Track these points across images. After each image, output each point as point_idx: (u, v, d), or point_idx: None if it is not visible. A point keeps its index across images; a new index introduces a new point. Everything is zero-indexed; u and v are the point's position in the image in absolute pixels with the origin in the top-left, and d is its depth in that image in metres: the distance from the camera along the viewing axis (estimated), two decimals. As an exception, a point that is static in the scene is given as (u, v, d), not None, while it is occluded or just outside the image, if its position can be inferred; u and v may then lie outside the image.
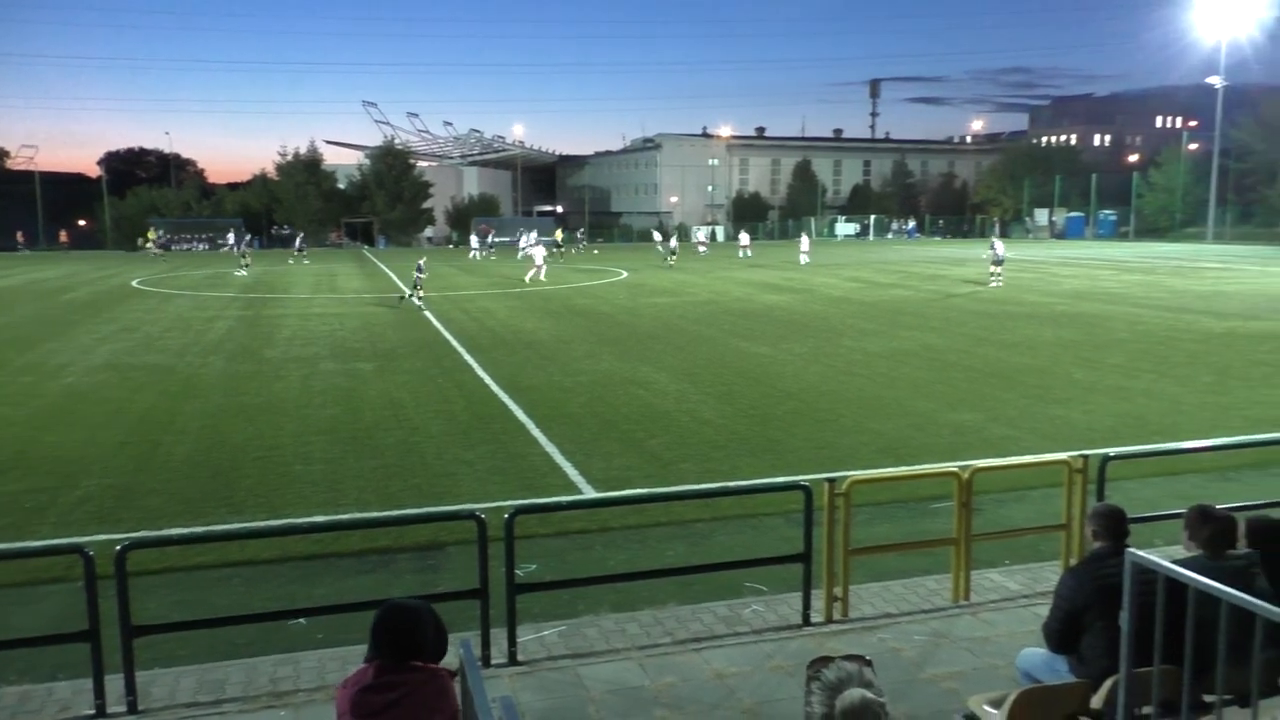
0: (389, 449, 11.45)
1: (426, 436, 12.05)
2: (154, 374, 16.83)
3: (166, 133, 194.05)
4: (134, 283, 39.06)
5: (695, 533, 8.54)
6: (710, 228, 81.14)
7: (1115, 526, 4.62)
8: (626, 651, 6.12)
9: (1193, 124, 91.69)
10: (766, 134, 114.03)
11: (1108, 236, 75.96)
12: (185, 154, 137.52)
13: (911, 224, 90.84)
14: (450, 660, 3.53)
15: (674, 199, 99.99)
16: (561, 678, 5.80)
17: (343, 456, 11.13)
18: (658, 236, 67.91)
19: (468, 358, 18.20)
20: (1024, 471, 9.30)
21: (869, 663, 2.64)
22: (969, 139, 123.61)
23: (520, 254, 55.58)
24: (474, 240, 59.99)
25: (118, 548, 5.46)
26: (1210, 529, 4.48)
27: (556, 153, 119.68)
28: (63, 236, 76.98)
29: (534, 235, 58.50)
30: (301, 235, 61.31)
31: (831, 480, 6.50)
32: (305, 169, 79.38)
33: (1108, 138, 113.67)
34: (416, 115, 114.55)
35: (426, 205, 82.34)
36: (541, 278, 36.72)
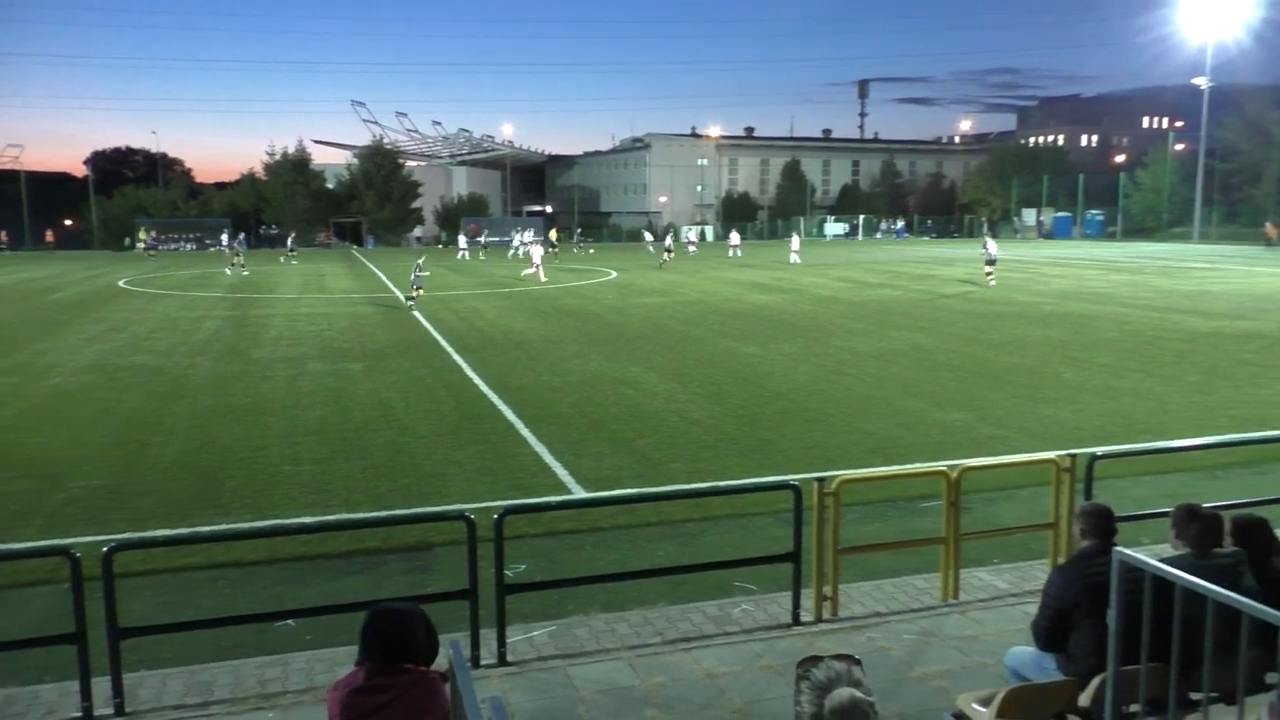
0: (378, 449, 11.42)
1: (415, 437, 12.02)
2: (141, 374, 16.75)
3: (153, 132, 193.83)
4: (121, 283, 38.88)
5: (685, 532, 8.55)
6: (700, 228, 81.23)
7: (1103, 525, 4.64)
8: (616, 651, 6.11)
9: (1179, 124, 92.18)
10: (755, 134, 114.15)
11: (1095, 236, 76.28)
12: (172, 153, 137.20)
13: (900, 224, 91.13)
14: (440, 662, 3.52)
15: (663, 199, 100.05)
16: (551, 678, 5.79)
17: (331, 457, 11.10)
18: (648, 236, 67.94)
19: (457, 358, 18.17)
20: (1012, 470, 9.34)
21: (858, 662, 2.64)
22: (957, 139, 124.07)
23: (512, 253, 55.64)
24: (462, 240, 59.90)
25: (104, 549, 5.43)
26: (1197, 527, 4.50)
27: (546, 152, 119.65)
28: (49, 236, 76.59)
29: (530, 234, 58.61)
30: (293, 235, 61.16)
31: (821, 480, 6.51)
32: (293, 168, 79.17)
33: (1095, 138, 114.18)
34: (405, 115, 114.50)
35: (415, 205, 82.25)
36: (541, 277, 36.84)
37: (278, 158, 79.90)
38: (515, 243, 58.33)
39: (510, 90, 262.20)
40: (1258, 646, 3.74)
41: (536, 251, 39.25)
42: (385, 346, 19.91)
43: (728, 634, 6.36)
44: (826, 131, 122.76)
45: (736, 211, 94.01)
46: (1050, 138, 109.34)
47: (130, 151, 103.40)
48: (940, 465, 7.43)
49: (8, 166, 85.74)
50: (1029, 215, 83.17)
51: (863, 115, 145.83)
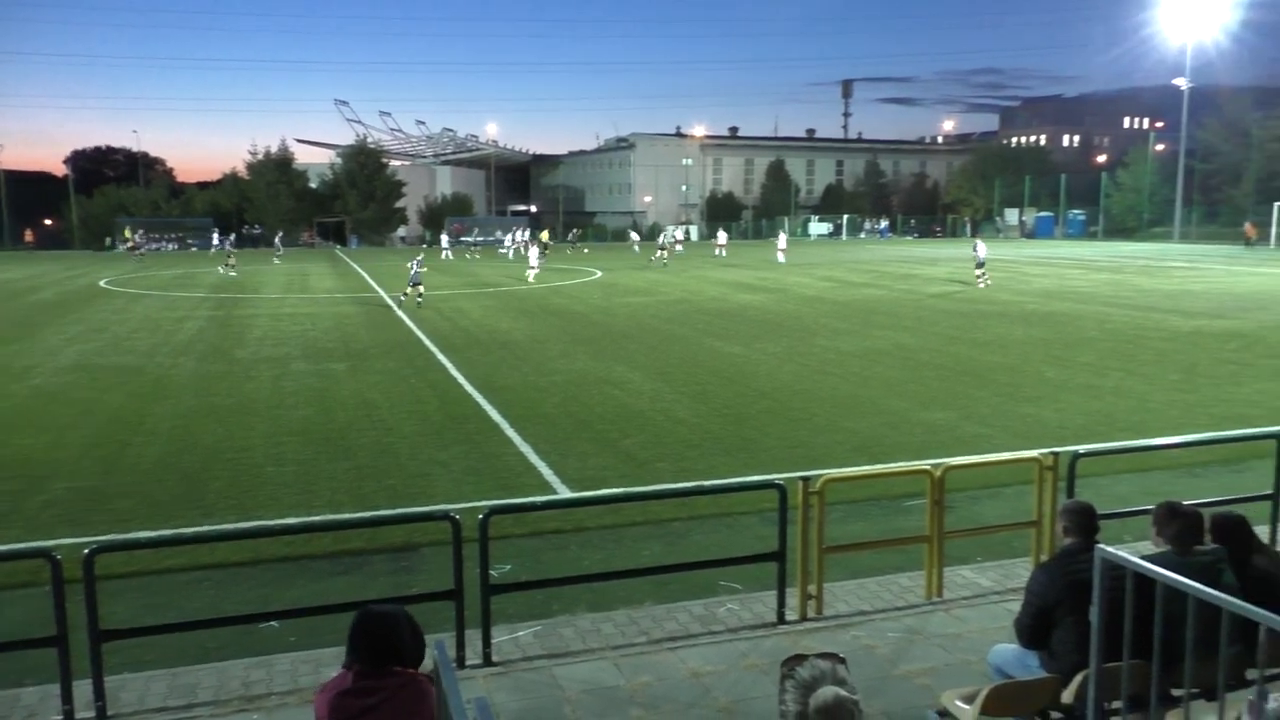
0: (362, 450, 11.38)
1: (400, 437, 11.99)
2: (123, 375, 16.63)
3: (134, 131, 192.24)
4: (102, 283, 38.59)
5: (670, 532, 8.55)
6: (685, 227, 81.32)
7: (1085, 523, 4.67)
8: (602, 651, 6.11)
9: (1159, 125, 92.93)
10: (740, 134, 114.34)
11: (1077, 236, 76.81)
12: (154, 152, 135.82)
13: (884, 224, 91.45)
14: (425, 663, 3.52)
15: (648, 199, 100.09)
16: (537, 678, 5.79)
17: (315, 458, 11.05)
18: (635, 236, 67.95)
19: (441, 358, 18.12)
20: (996, 469, 9.40)
21: (843, 660, 2.65)
22: (940, 139, 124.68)
23: (502, 251, 55.66)
24: (444, 239, 59.77)
25: (86, 551, 5.39)
26: (1177, 525, 4.54)
27: (530, 152, 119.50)
28: (28, 236, 75.91)
29: (527, 234, 58.57)
30: (281, 235, 60.90)
31: (805, 479, 6.53)
32: (276, 168, 78.78)
33: (1076, 138, 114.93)
34: (389, 114, 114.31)
35: (399, 205, 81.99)
36: (530, 279, 37.00)
37: (260, 157, 79.50)
38: (508, 243, 58.37)
39: (494, 90, 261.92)
40: (1238, 643, 3.77)
41: (534, 252, 39.37)
42: (369, 346, 19.84)
43: (713, 633, 6.37)
44: (811, 131, 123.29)
45: (721, 211, 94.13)
46: (1032, 138, 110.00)
47: (111, 150, 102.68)
48: (924, 464, 7.47)
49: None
50: (1011, 215, 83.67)
51: (847, 115, 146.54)
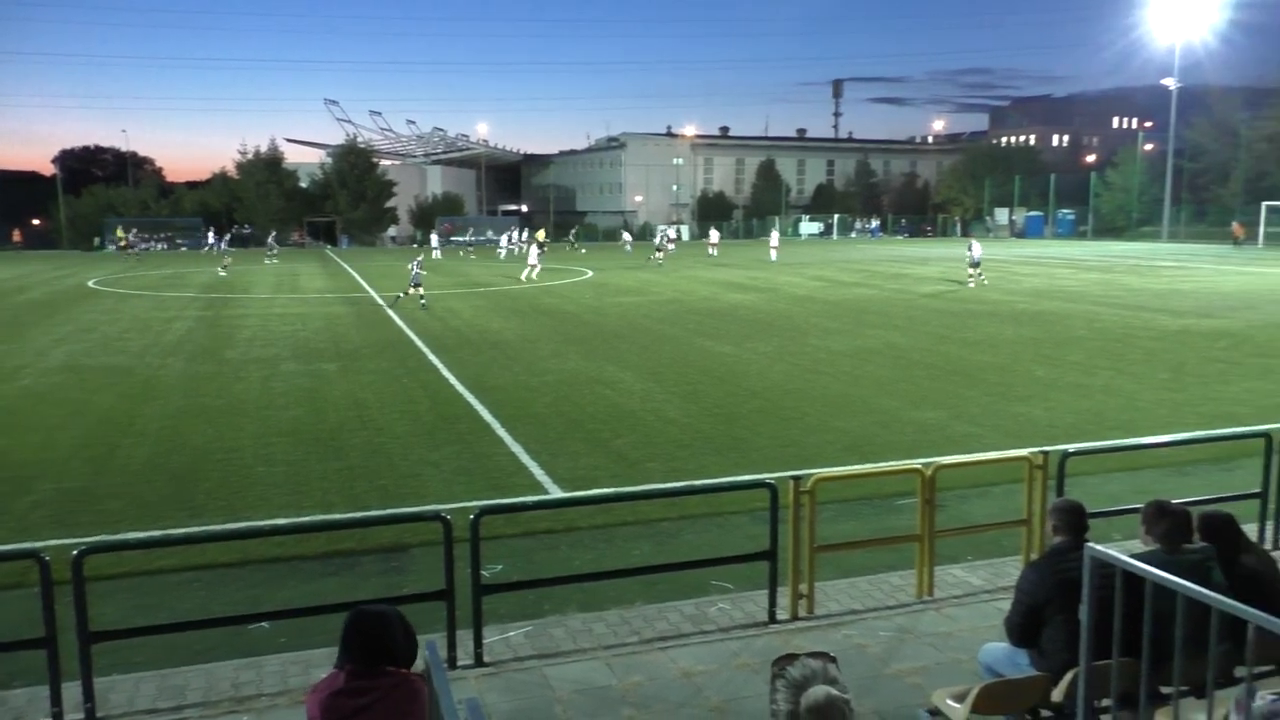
0: (353, 450, 11.36)
1: (391, 437, 11.96)
2: (112, 375, 16.56)
3: (123, 130, 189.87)
4: (90, 283, 38.43)
5: (661, 532, 8.55)
6: (677, 227, 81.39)
7: (1075, 521, 4.69)
8: (593, 651, 6.11)
9: (1148, 125, 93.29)
10: (730, 133, 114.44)
11: (1066, 235, 77.09)
12: (142, 152, 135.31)
13: (875, 223, 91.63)
14: (416, 663, 3.52)
15: (639, 198, 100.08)
16: (528, 678, 5.79)
17: (306, 458, 11.02)
18: (626, 236, 67.97)
19: (432, 358, 18.09)
20: (986, 468, 9.42)
21: (833, 659, 2.66)
22: (930, 139, 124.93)
23: (498, 252, 55.71)
24: (434, 239, 59.63)
25: (75, 552, 5.36)
26: (1166, 523, 4.56)
27: (521, 152, 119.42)
28: (16, 236, 75.51)
29: (525, 234, 58.56)
30: (274, 234, 60.71)
31: (796, 478, 6.54)
32: (266, 167, 78.53)
33: (1066, 138, 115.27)
34: (379, 113, 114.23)
35: (390, 204, 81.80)
36: (534, 276, 37.37)
37: (250, 157, 79.24)
38: (503, 243, 58.39)
39: (485, 89, 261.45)
40: (1226, 641, 3.79)
41: (534, 252, 39.52)
42: (360, 347, 19.80)
43: (704, 633, 6.37)
44: (801, 131, 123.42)
45: (712, 211, 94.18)
46: (1022, 138, 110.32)
47: (99, 150, 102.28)
48: (915, 463, 7.48)
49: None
50: (1001, 214, 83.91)
51: (837, 115, 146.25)
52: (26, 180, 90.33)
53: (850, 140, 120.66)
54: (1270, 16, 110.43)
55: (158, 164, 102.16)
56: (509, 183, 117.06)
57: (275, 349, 19.54)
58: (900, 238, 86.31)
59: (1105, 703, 4.06)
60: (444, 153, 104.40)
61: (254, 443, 11.74)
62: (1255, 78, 73.95)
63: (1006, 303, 26.98)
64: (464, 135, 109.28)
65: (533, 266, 38.22)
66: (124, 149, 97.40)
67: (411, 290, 27.59)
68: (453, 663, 5.85)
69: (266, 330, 22.73)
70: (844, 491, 9.05)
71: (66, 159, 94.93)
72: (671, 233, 67.97)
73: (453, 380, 15.75)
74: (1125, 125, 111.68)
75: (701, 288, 33.38)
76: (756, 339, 20.10)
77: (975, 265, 32.93)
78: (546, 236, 52.63)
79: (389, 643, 3.37)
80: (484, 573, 6.10)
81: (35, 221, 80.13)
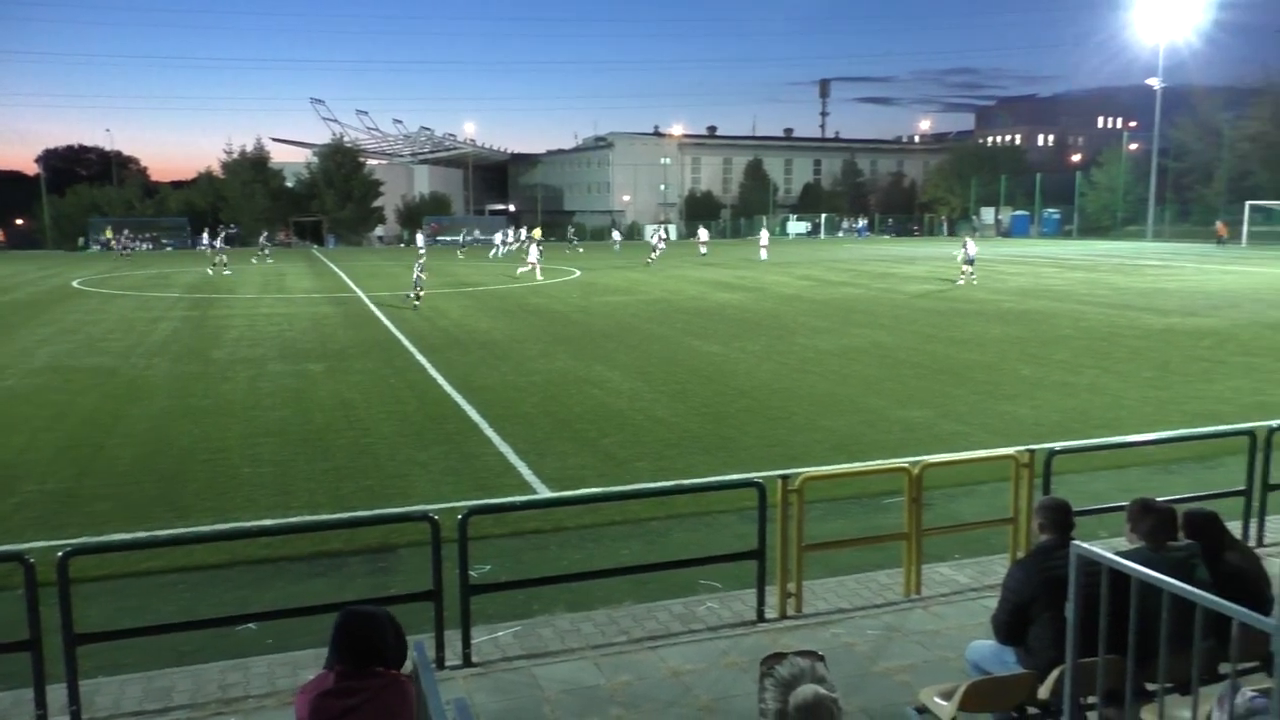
0: (340, 450, 11.32)
1: (379, 438, 11.93)
2: (97, 376, 16.47)
3: (107, 130, 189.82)
4: (75, 283, 38.19)
5: (650, 531, 8.56)
6: (665, 226, 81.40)
7: (1061, 519, 4.71)
8: (582, 651, 6.11)
9: (1133, 125, 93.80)
10: (718, 133, 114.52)
11: (1052, 235, 77.44)
12: (127, 151, 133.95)
13: (862, 222, 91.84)
14: (405, 665, 3.51)
15: (626, 198, 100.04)
16: (516, 678, 5.78)
17: (293, 459, 10.98)
18: (616, 235, 67.93)
19: (420, 358, 18.05)
20: (973, 466, 9.44)
21: (822, 658, 2.66)
22: (917, 139, 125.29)
23: (494, 253, 55.73)
24: (420, 239, 59.48)
25: (59, 554, 5.33)
26: (1151, 521, 4.58)
27: (508, 151, 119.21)
28: (-1, 236, 75.03)
29: (524, 233, 58.56)
30: (265, 234, 60.42)
31: (784, 477, 6.55)
32: (252, 167, 78.16)
33: (1051, 138, 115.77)
34: (365, 113, 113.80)
35: (377, 204, 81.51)
36: (537, 275, 37.46)
37: (235, 156, 78.83)
38: (496, 242, 58.45)
39: (472, 89, 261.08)
40: (1211, 637, 3.81)
41: (533, 251, 39.66)
42: (347, 347, 19.73)
43: (693, 632, 6.38)
44: (788, 131, 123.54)
45: (700, 210, 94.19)
46: (1008, 137, 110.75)
47: (83, 149, 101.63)
48: (902, 462, 7.51)
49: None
50: (987, 214, 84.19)
51: (824, 115, 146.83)
52: (9, 180, 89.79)
53: (837, 140, 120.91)
54: (1253, 17, 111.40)
55: (142, 163, 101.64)
56: (496, 182, 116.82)
57: (262, 349, 19.46)
58: (887, 237, 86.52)
59: (1091, 700, 4.08)
60: (431, 152, 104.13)
61: (241, 443, 11.69)
62: (1238, 78, 74.56)
63: (993, 301, 27.09)
64: (451, 135, 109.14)
65: (533, 266, 38.46)
66: (108, 148, 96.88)
67: (414, 289, 27.55)
68: (441, 663, 5.84)
69: (253, 330, 22.64)
70: (832, 490, 9.07)
71: (50, 158, 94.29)
72: (663, 232, 68.06)
73: (440, 380, 15.71)
74: (1110, 125, 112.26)
75: (689, 287, 33.40)
76: (744, 338, 20.12)
77: (969, 263, 33.14)
78: (542, 236, 52.83)
79: (379, 644, 3.37)
80: (472, 573, 6.09)
81: (19, 221, 79.59)
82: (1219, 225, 60.98)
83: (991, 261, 45.27)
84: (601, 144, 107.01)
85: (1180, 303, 26.44)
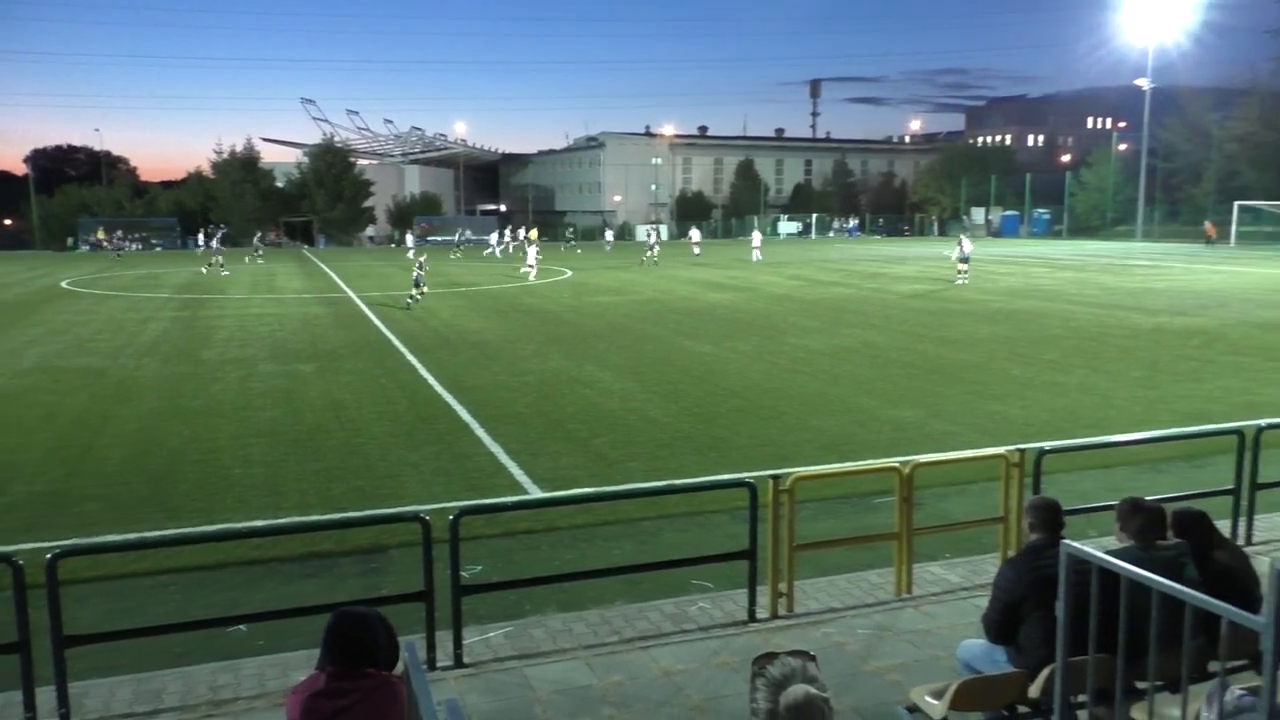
0: (331, 451, 11.29)
1: (370, 438, 11.91)
2: (86, 377, 16.40)
3: (97, 130, 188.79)
4: (64, 283, 38.01)
5: (642, 531, 8.56)
6: (657, 227, 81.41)
7: (1051, 519, 4.73)
8: (573, 651, 6.11)
9: (1122, 125, 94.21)
10: (709, 133, 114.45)
11: (1042, 235, 77.68)
12: (116, 151, 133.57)
13: (853, 223, 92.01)
14: (397, 666, 3.51)
15: (617, 198, 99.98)
16: (508, 679, 5.78)
17: (283, 459, 10.95)
18: (609, 235, 67.92)
19: (411, 358, 18.02)
20: (963, 466, 9.46)
21: (813, 658, 2.67)
22: (907, 139, 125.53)
23: (488, 252, 55.75)
24: (410, 240, 59.33)
25: (48, 556, 5.31)
26: (1140, 520, 4.60)
27: (499, 151, 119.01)
28: (-13, 236, 74.68)
29: (522, 233, 58.58)
30: (259, 235, 60.19)
31: (776, 477, 6.56)
32: (242, 167, 77.82)
33: (1041, 138, 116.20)
34: (356, 113, 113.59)
35: (367, 204, 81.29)
36: (531, 277, 37.56)
37: (226, 156, 78.50)
38: (492, 242, 58.46)
39: (463, 88, 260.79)
40: (1200, 636, 3.83)
41: (532, 251, 39.75)
42: (338, 347, 19.69)
43: (685, 632, 6.38)
44: (779, 131, 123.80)
45: (691, 211, 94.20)
46: (998, 137, 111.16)
47: (72, 149, 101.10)
48: (893, 461, 7.52)
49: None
50: (978, 214, 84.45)
51: (815, 115, 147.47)
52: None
53: (828, 140, 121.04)
54: (1240, 18, 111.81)
55: (132, 163, 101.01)
56: (487, 182, 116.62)
57: (252, 349, 19.41)
58: (878, 237, 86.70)
59: (1081, 698, 4.10)
60: (422, 152, 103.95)
61: (231, 444, 11.65)
62: (1226, 78, 75.10)
63: (983, 302, 27.16)
64: (442, 135, 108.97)
65: (531, 266, 38.68)
66: (97, 148, 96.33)
67: (415, 290, 27.48)
68: (432, 664, 5.83)
69: (244, 331, 22.57)
70: (823, 490, 9.08)
71: (39, 158, 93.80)
72: (657, 233, 68.12)
73: (431, 380, 15.69)
74: (1099, 125, 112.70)
75: (681, 287, 33.41)
76: (735, 338, 20.14)
77: (965, 261, 33.32)
78: (538, 236, 52.97)
79: (370, 644, 3.36)
80: (463, 573, 6.09)
81: (7, 222, 79.26)
82: (1207, 225, 61.25)
83: (981, 261, 45.35)
84: (593, 144, 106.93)
85: (1169, 302, 26.55)
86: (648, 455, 10.96)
